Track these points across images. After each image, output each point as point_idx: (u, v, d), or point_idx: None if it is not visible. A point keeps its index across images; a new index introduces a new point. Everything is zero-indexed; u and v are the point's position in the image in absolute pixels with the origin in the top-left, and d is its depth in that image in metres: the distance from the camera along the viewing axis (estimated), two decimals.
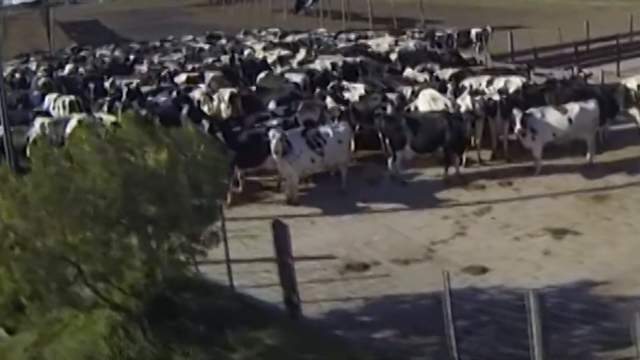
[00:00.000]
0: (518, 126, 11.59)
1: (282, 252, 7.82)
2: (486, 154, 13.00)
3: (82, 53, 26.77)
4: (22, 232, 6.79)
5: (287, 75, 17.45)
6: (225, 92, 15.11)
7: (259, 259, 8.90)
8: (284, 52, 20.10)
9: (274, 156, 11.78)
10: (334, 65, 16.89)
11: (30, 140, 13.22)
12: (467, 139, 12.29)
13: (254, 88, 15.53)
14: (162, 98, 15.36)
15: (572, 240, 9.56)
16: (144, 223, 6.80)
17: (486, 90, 14.15)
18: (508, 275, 8.65)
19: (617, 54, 18.71)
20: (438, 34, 22.17)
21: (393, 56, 17.89)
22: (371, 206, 11.45)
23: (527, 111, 11.71)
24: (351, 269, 9.41)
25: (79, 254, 6.71)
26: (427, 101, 13.25)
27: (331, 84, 15.03)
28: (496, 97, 12.79)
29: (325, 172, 12.52)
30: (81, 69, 21.24)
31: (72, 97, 16.32)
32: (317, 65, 17.27)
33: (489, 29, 22.23)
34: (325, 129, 12.09)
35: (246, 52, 22.12)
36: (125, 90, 16.18)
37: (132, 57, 23.18)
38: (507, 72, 15.10)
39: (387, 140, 12.31)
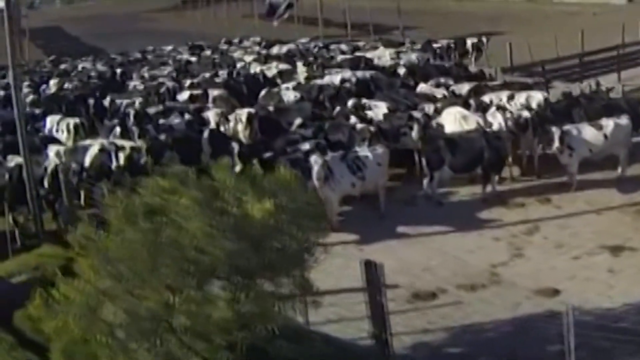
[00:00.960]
0: (556, 143, 11.96)
1: (373, 289, 7.85)
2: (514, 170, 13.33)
3: (63, 66, 25.91)
4: (112, 293, 6.58)
5: (282, 93, 17.39)
6: (243, 113, 14.93)
7: (344, 289, 8.71)
8: (283, 66, 20.02)
9: (316, 183, 11.80)
10: (344, 80, 16.93)
11: (49, 170, 12.79)
12: (506, 157, 12.59)
13: (271, 108, 15.37)
14: (175, 120, 15.08)
15: (630, 257, 9.90)
16: (244, 275, 6.66)
17: (507, 105, 14.55)
18: (582, 296, 8.84)
19: (618, 64, 19.51)
20: (435, 45, 22.58)
21: (401, 70, 18.09)
22: (414, 229, 11.66)
23: (564, 128, 12.13)
24: (419, 298, 9.45)
25: (176, 311, 6.53)
26: (455, 120, 13.46)
27: (351, 101, 15.09)
28: (526, 114, 13.16)
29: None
30: (68, 85, 20.57)
31: (77, 120, 15.77)
32: (327, 80, 17.26)
33: (484, 39, 22.77)
34: (364, 152, 12.13)
35: (239, 65, 21.90)
36: (132, 113, 15.78)
37: (118, 70, 22.60)
38: (525, 87, 15.51)
39: (424, 161, 12.53)
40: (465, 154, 12.24)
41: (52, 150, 13.55)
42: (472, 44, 22.40)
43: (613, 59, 19.72)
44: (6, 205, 12.56)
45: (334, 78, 17.32)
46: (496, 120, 12.98)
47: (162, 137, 13.83)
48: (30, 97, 19.62)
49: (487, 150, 12.21)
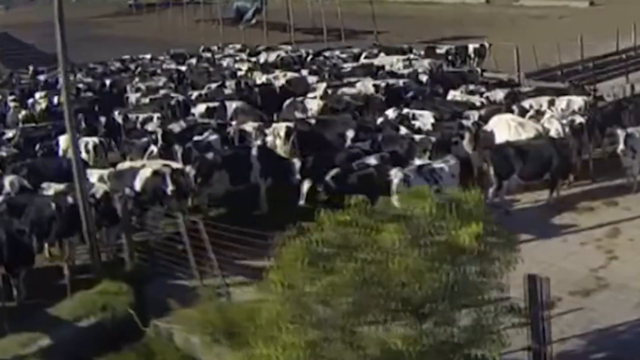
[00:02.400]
0: (621, 146, 12.59)
1: (536, 306, 8.01)
2: None
3: (42, 77, 24.50)
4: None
5: (305, 102, 17.37)
6: (281, 127, 14.69)
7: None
8: (291, 75, 19.86)
9: (394, 196, 11.82)
10: (376, 88, 17.02)
11: (98, 197, 12.14)
12: (574, 163, 13.13)
13: (313, 121, 15.25)
14: (212, 137, 14.66)
15: None
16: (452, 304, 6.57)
17: (548, 111, 15.16)
18: None
19: (626, 67, 20.71)
20: (438, 50, 23.06)
21: (423, 77, 18.42)
22: None
23: (628, 131, 12.78)
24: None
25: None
26: (510, 127, 13.90)
27: (391, 111, 15.22)
28: (580, 118, 13.77)
29: None
30: (59, 99, 19.55)
31: (96, 140, 15.10)
32: (360, 88, 17.27)
33: (486, 44, 23.51)
34: (439, 164, 12.29)
35: (238, 74, 21.56)
36: (159, 132, 15.20)
37: (107, 82, 21.72)
38: (559, 92, 16.20)
39: (492, 170, 12.84)
40: (535, 161, 12.61)
41: (93, 175, 12.91)
42: (475, 50, 23.15)
43: (620, 62, 20.92)
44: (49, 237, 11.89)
45: (368, 86, 17.34)
46: (553, 126, 13.52)
47: (210, 155, 13.51)
48: (23, 113, 18.61)
49: (555, 157, 12.70)
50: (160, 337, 10.24)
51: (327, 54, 25.01)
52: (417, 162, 12.65)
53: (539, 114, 14.40)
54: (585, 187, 13.54)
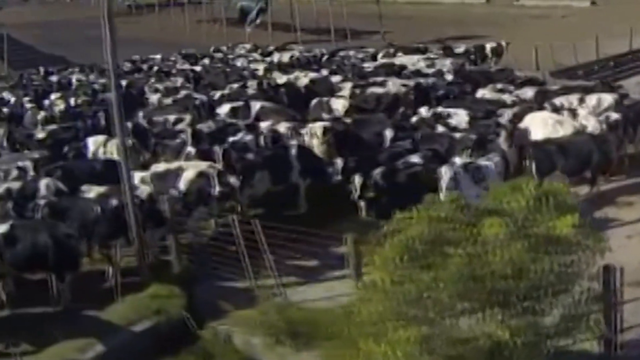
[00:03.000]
0: None
1: (610, 295, 8.13)
2: None
3: (54, 78, 24.18)
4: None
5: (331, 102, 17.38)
6: (318, 127, 14.64)
7: None
8: (313, 75, 19.83)
9: (442, 193, 11.89)
10: (405, 87, 17.07)
11: (143, 198, 12.00)
12: (614, 159, 13.32)
13: (348, 120, 15.25)
14: (247, 137, 14.60)
15: None
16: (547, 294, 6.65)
17: (579, 108, 15.33)
18: None
19: None
20: (457, 50, 23.21)
21: (448, 76, 18.55)
22: None
23: None
24: None
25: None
26: (547, 125, 14.02)
27: (424, 110, 15.28)
28: (615, 115, 13.95)
29: None
30: (76, 100, 19.38)
31: (129, 142, 14.91)
32: (390, 87, 17.30)
33: (503, 43, 23.71)
34: (485, 162, 12.37)
35: (257, 74, 21.48)
36: (189, 131, 15.09)
37: (123, 82, 21.48)
38: (587, 89, 16.37)
39: (534, 167, 12.98)
40: (576, 157, 12.78)
41: (135, 176, 12.73)
42: (492, 49, 23.34)
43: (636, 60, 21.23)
44: (93, 241, 11.71)
45: (397, 85, 17.45)
46: (590, 123, 13.69)
47: (251, 156, 13.47)
48: (42, 115, 18.39)
49: (595, 152, 12.86)
50: (218, 340, 10.21)
51: (342, 53, 25.02)
52: (458, 159, 12.75)
53: (572, 112, 14.54)
54: (621, 182, 13.74)
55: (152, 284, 11.14)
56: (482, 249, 6.48)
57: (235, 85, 19.47)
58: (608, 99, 15.22)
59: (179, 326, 10.37)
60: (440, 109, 15.21)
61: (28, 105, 19.15)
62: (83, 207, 11.74)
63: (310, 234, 10.96)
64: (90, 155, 15.03)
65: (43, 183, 12.71)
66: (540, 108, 15.03)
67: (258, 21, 35.56)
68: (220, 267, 11.22)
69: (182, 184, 12.52)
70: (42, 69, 25.85)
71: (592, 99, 15.30)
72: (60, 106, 18.84)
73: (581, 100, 15.37)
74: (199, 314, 10.61)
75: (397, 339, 6.06)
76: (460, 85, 17.54)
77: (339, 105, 17.16)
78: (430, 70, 19.51)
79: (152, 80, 21.93)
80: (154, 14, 43.40)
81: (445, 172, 11.80)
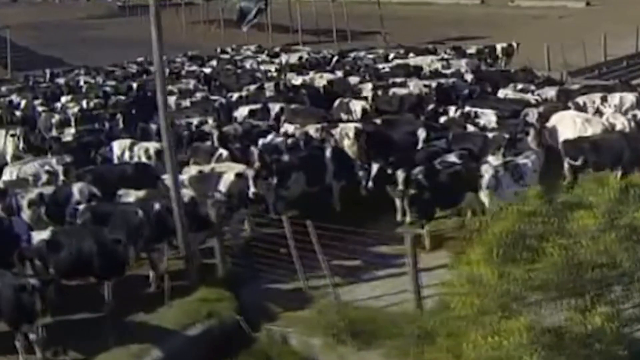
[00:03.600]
0: None
1: None
2: None
3: (61, 80, 23.98)
4: None
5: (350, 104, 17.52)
6: (350, 128, 14.78)
7: None
8: (329, 76, 19.97)
9: (483, 192, 12.13)
10: (428, 87, 17.32)
11: (186, 201, 11.93)
12: None
13: (378, 121, 15.42)
14: (277, 139, 14.65)
15: None
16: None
17: (601, 107, 15.70)
18: None
19: None
20: (469, 51, 23.54)
21: (468, 77, 18.81)
22: None
23: None
24: None
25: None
26: (575, 124, 14.35)
27: (452, 109, 15.52)
28: None
29: None
30: (88, 102, 19.27)
31: (157, 145, 14.88)
32: (410, 87, 17.52)
33: (514, 44, 24.10)
34: (523, 160, 12.63)
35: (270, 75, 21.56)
36: (215, 133, 15.13)
37: (134, 84, 21.47)
38: (607, 89, 16.76)
39: (567, 163, 13.28)
40: (608, 155, 13.10)
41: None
42: (502, 49, 23.71)
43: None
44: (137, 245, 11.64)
45: (419, 85, 17.64)
46: (619, 121, 14.04)
47: (286, 157, 13.59)
48: (56, 118, 18.27)
49: (627, 150, 13.14)
50: (273, 341, 10.28)
51: (352, 54, 25.21)
52: (491, 158, 13.00)
53: (597, 111, 14.91)
54: None
55: (199, 287, 11.23)
56: (573, 240, 6.72)
57: (252, 87, 19.54)
58: (630, 98, 15.62)
59: (232, 329, 10.44)
60: (467, 109, 15.46)
61: (40, 109, 18.99)
62: (126, 212, 11.71)
63: (357, 233, 11.19)
64: (115, 159, 15.05)
65: (76, 188, 12.62)
66: (565, 107, 15.36)
67: (255, 20, 35.61)
68: (265, 269, 11.35)
69: (223, 187, 12.59)
70: (47, 71, 25.64)
71: (614, 98, 15.68)
72: (74, 109, 18.72)
73: (604, 100, 15.74)
74: (248, 317, 10.67)
75: (505, 329, 6.25)
76: (482, 85, 17.79)
77: (358, 107, 17.33)
78: (449, 71, 19.79)
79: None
80: (146, 15, 43.02)
81: (486, 171, 12.03)
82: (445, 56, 22.57)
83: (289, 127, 15.63)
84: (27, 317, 9.56)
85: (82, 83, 23.07)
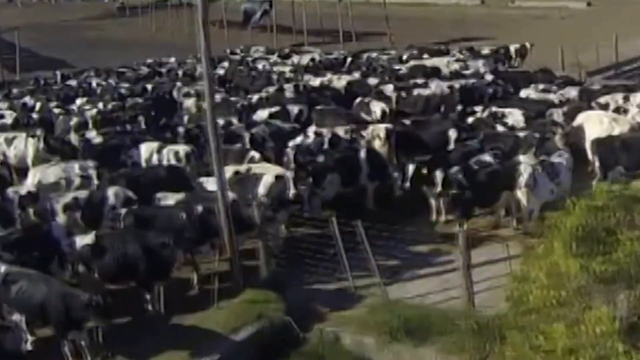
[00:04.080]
0: None
1: None
2: None
3: (72, 82, 23.96)
4: None
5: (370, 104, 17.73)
6: (380, 129, 15.02)
7: None
8: (347, 77, 20.22)
9: (521, 190, 12.43)
10: (451, 88, 17.61)
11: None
12: None
13: (407, 122, 15.68)
14: (310, 140, 14.79)
15: None
16: None
17: (625, 106, 16.08)
18: None
19: None
20: (484, 52, 23.91)
21: (488, 77, 19.08)
22: None
23: None
24: None
25: None
26: (602, 123, 14.69)
27: (478, 109, 15.81)
28: None
29: None
30: (105, 104, 19.32)
31: (187, 148, 15.00)
32: (433, 88, 17.80)
33: (527, 45, 24.55)
34: (558, 159, 12.96)
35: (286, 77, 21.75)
36: (247, 135, 15.35)
37: (149, 86, 21.58)
38: (627, 89, 17.15)
39: (597, 162, 13.62)
40: (638, 153, 13.46)
41: (210, 182, 12.89)
42: (516, 50, 24.16)
43: None
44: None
45: (442, 86, 17.91)
46: None
47: (322, 158, 13.79)
48: (74, 120, 18.32)
49: None
50: (325, 342, 10.44)
51: (365, 55, 25.50)
52: (522, 157, 13.29)
53: (622, 110, 15.29)
54: None
55: (243, 289, 11.35)
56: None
57: (272, 89, 19.73)
58: None
59: (282, 330, 10.57)
60: (494, 109, 15.77)
61: (56, 111, 19.04)
62: (169, 215, 11.86)
63: (397, 232, 11.44)
64: (143, 162, 15.15)
65: (111, 191, 12.72)
66: (589, 107, 15.73)
67: (261, 22, 35.80)
68: (309, 269, 11.58)
69: (262, 188, 12.77)
70: (58, 73, 25.65)
71: (637, 97, 16.08)
72: (92, 111, 18.80)
73: (626, 99, 16.13)
74: (295, 317, 10.78)
75: (586, 319, 6.53)
76: (503, 86, 18.14)
77: (378, 108, 17.53)
78: (469, 72, 20.11)
79: (179, 84, 22.02)
80: (146, 16, 43.10)
81: (525, 169, 12.34)
82: (461, 57, 22.94)
83: (318, 129, 15.75)
84: (75, 325, 9.69)
85: (94, 85, 23.14)
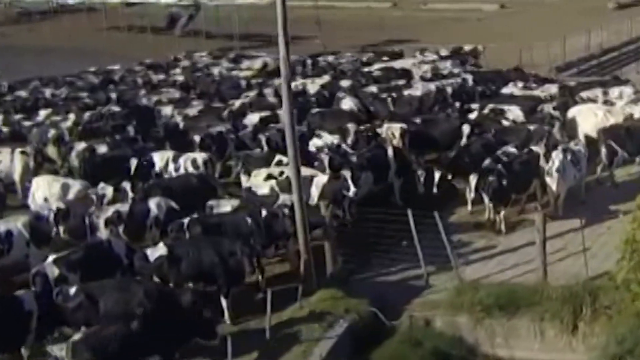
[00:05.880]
0: None
1: None
2: None
3: (21, 93, 23.29)
4: None
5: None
6: (396, 128, 16.53)
7: None
8: (321, 80, 21.47)
9: (553, 176, 14.32)
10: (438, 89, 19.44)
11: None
12: None
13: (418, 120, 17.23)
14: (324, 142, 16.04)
15: None
16: None
17: (599, 98, 18.70)
18: None
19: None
20: (442, 53, 25.94)
21: (469, 77, 20.93)
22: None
23: None
24: None
25: None
26: (596, 115, 17.06)
27: (488, 106, 17.69)
28: None
29: None
30: (78, 116, 19.21)
31: (205, 156, 15.61)
32: (418, 90, 19.49)
33: (479, 47, 27.03)
34: (577, 147, 15.05)
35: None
36: (264, 140, 16.27)
37: (113, 95, 21.47)
38: (601, 84, 19.86)
39: (603, 150, 15.87)
40: (638, 140, 15.96)
41: (266, 186, 13.82)
42: (469, 51, 26.60)
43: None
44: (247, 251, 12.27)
45: (430, 86, 19.70)
46: (636, 110, 16.96)
47: (355, 158, 14.97)
48: (52, 132, 18.08)
49: None
50: (415, 327, 11.66)
51: (321, 59, 26.83)
52: (535, 148, 15.33)
53: (608, 103, 17.85)
54: None
55: (316, 288, 12.23)
56: None
57: (252, 94, 20.58)
58: (628, 90, 18.83)
59: (371, 321, 11.61)
60: (491, 106, 17.80)
61: (27, 123, 18.78)
62: (235, 221, 12.52)
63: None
64: (158, 170, 15.56)
65: (153, 203, 13.23)
66: (574, 102, 18.21)
67: (187, 26, 36.12)
68: (376, 261, 12.83)
69: (315, 189, 13.74)
70: (5, 83, 24.60)
71: (614, 92, 18.79)
72: (67, 122, 18.72)
73: (605, 93, 18.80)
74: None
75: None
76: (485, 84, 20.33)
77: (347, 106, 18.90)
78: (445, 72, 22.18)
79: (143, 92, 22.20)
80: (52, 21, 41.62)
81: (556, 157, 14.31)
82: (428, 59, 25.02)
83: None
84: None
85: (48, 95, 22.64)
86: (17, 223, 12.86)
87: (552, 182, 14.42)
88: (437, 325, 11.68)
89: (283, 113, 14.43)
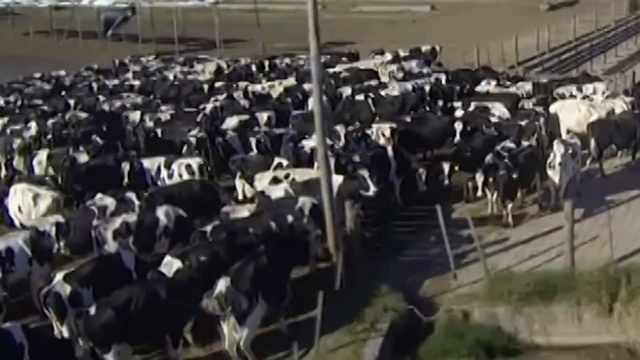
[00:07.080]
0: None
1: None
2: None
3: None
4: None
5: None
6: (385, 128, 17.14)
7: None
8: (287, 83, 21.76)
9: (555, 169, 15.21)
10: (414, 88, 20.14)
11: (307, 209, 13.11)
12: None
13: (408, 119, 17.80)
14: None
15: None
16: None
17: (575, 94, 19.99)
18: None
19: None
20: (402, 53, 26.58)
21: (442, 77, 21.87)
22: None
23: None
24: None
25: None
26: (580, 110, 18.15)
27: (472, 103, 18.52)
28: (629, 99, 18.70)
29: None
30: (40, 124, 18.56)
31: (199, 160, 15.57)
32: (395, 90, 20.12)
33: (437, 47, 28.02)
34: (574, 140, 16.06)
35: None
36: (254, 142, 16.40)
37: (71, 102, 20.83)
38: (573, 80, 21.16)
39: (593, 142, 16.99)
40: (626, 132, 17.03)
41: (280, 189, 13.96)
42: (427, 51, 27.60)
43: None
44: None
45: (406, 86, 20.40)
46: (617, 105, 18.21)
47: (356, 158, 15.35)
48: (17, 142, 17.47)
49: (639, 128, 17.24)
50: (454, 320, 12.10)
51: (278, 61, 27.04)
52: (526, 143, 16.32)
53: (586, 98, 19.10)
54: None
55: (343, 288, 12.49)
56: None
57: (221, 97, 20.59)
58: (601, 86, 20.23)
59: (409, 319, 11.99)
60: (475, 103, 18.69)
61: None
62: (259, 226, 12.57)
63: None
64: (148, 177, 15.39)
65: (161, 212, 13.17)
66: (553, 98, 19.40)
67: (119, 29, 35.44)
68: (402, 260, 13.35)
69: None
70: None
71: (588, 88, 20.13)
72: (31, 131, 18.12)
73: (579, 90, 20.10)
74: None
75: None
76: (460, 83, 21.27)
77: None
78: (416, 72, 22.96)
79: (102, 97, 21.69)
80: None
81: (559, 149, 15.23)
82: (384, 59, 25.79)
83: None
84: None
85: (1, 102, 21.66)
86: (17, 239, 12.52)
87: (554, 175, 15.37)
88: (475, 317, 12.22)
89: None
